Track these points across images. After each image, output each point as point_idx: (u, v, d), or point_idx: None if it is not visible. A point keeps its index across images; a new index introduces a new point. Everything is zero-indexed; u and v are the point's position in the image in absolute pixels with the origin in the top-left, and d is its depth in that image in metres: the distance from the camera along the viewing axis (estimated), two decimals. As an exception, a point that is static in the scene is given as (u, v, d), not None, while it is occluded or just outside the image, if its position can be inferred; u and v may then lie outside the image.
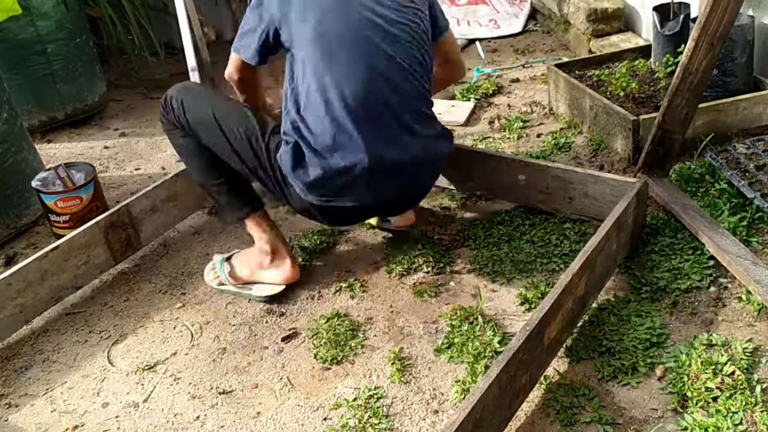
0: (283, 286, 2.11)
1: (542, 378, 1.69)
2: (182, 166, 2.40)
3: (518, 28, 3.91)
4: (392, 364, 1.81)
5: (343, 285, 2.12)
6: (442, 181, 2.46)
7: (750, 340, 1.72)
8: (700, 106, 2.29)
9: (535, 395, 1.66)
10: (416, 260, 2.17)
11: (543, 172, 2.22)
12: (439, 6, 2.12)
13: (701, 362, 1.66)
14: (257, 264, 2.13)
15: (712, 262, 1.96)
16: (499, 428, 1.53)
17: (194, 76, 2.93)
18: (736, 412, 1.53)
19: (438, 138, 2.04)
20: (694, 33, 2.09)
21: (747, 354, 1.67)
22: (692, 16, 2.65)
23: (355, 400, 1.73)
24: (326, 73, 1.87)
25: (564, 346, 1.77)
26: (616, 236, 1.90)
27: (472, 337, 1.84)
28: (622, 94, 2.63)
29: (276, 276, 2.12)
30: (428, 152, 2.00)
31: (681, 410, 1.58)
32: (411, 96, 1.95)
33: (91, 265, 2.20)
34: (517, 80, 3.31)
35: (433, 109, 2.07)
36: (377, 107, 1.89)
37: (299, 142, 1.91)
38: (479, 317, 1.90)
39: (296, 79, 1.92)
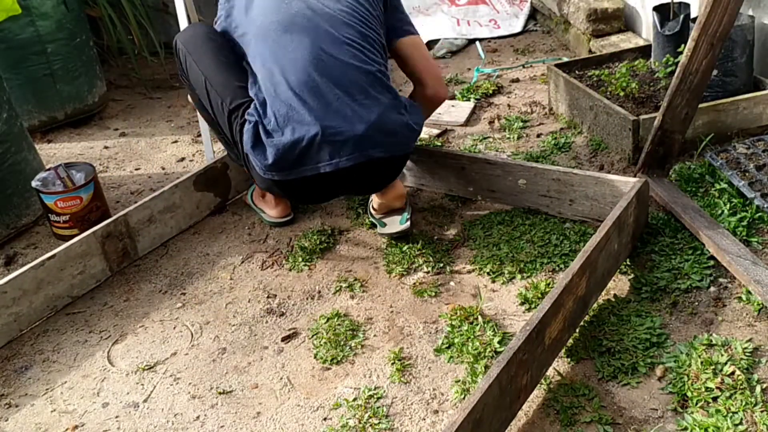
0: (281, 220, 2.43)
1: (542, 378, 1.69)
2: (183, 170, 2.40)
3: (518, 28, 3.91)
4: (392, 364, 1.81)
5: (343, 285, 2.12)
6: (442, 185, 2.46)
7: (750, 340, 1.72)
8: (700, 106, 2.29)
9: (535, 395, 1.66)
10: (416, 260, 2.17)
11: (543, 175, 2.22)
12: (398, 5, 2.27)
13: (701, 362, 1.66)
14: (257, 197, 2.52)
15: (712, 262, 1.96)
16: (500, 429, 1.53)
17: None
18: (736, 412, 1.53)
19: (394, 108, 2.08)
20: (694, 33, 2.09)
21: (747, 354, 1.67)
22: (692, 16, 2.65)
23: (355, 400, 1.73)
24: (272, 61, 2.06)
25: (564, 347, 1.77)
26: (617, 236, 1.90)
27: (472, 337, 1.84)
28: (622, 94, 2.63)
29: (271, 213, 2.44)
30: (382, 121, 2.05)
31: (681, 410, 1.58)
32: (355, 68, 2.05)
33: (87, 275, 2.20)
34: (517, 80, 3.31)
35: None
36: (321, 83, 2.02)
37: (258, 123, 2.05)
38: (479, 317, 1.90)
39: (252, 69, 2.13)
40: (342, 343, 1.90)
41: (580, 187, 2.17)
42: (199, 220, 2.52)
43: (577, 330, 1.81)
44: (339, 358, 1.86)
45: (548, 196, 2.24)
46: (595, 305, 1.89)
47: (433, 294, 2.04)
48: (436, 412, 1.68)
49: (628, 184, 2.05)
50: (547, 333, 1.61)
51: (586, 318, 1.85)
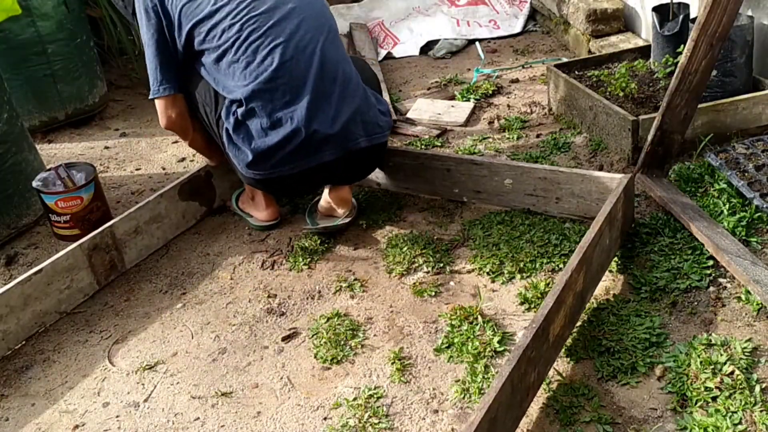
0: (269, 223, 2.43)
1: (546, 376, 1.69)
2: (183, 170, 2.40)
3: (518, 29, 3.92)
4: (392, 363, 1.82)
5: (343, 285, 2.12)
6: (427, 188, 2.45)
7: (749, 339, 1.73)
8: (700, 106, 2.29)
9: (535, 395, 1.66)
10: (416, 260, 2.17)
11: (529, 174, 2.23)
12: None
13: (700, 362, 1.66)
14: (245, 201, 2.51)
15: (711, 262, 1.96)
16: (512, 427, 1.53)
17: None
18: (736, 412, 1.54)
19: (365, 99, 2.20)
20: (693, 33, 2.09)
21: (746, 354, 1.68)
22: (692, 16, 2.66)
23: (355, 399, 1.73)
24: (246, 62, 2.11)
25: (564, 345, 1.77)
26: (608, 231, 1.92)
27: (471, 336, 1.85)
28: (621, 94, 2.63)
29: (259, 216, 2.43)
30: (358, 114, 2.16)
31: (680, 410, 1.59)
32: (336, 59, 2.17)
33: (75, 289, 2.15)
34: (516, 80, 3.31)
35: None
36: (308, 81, 2.10)
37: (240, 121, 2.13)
38: (479, 317, 1.91)
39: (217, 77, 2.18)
40: (342, 342, 1.91)
41: (566, 185, 2.18)
42: (185, 230, 2.48)
43: (577, 330, 1.82)
44: (339, 358, 1.86)
45: (535, 195, 2.25)
46: (594, 305, 1.89)
47: (433, 294, 2.04)
48: (436, 411, 1.68)
49: (614, 180, 2.07)
50: (551, 329, 1.63)
51: (585, 318, 1.86)
